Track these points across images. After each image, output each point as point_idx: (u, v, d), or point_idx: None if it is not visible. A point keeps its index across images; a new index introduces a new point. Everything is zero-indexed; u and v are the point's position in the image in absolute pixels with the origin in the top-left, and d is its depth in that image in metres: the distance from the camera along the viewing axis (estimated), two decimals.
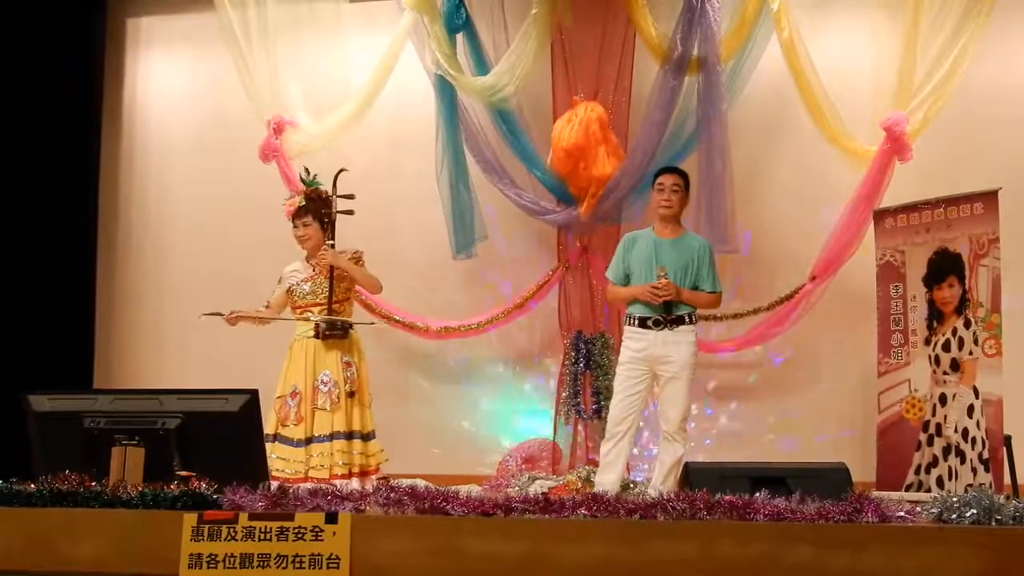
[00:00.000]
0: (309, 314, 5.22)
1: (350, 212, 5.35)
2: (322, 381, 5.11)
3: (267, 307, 5.36)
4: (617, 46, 6.35)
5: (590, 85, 6.36)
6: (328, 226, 5.29)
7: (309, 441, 5.03)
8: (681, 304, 5.07)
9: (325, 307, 5.21)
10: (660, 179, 5.23)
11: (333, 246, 5.24)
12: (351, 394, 5.17)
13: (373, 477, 5.16)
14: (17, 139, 6.80)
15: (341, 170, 5.37)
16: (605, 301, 6.22)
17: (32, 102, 6.86)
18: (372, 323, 5.47)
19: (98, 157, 7.27)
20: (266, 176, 6.54)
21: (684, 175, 5.29)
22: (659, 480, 5.00)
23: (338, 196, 5.32)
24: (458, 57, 6.39)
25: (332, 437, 5.05)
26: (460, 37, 6.43)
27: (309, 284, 5.27)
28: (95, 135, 7.25)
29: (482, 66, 6.41)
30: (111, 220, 7.33)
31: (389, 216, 6.79)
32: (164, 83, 7.45)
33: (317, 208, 5.32)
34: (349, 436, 5.12)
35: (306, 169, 5.54)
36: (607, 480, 5.03)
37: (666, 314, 5.05)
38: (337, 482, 4.88)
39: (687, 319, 5.08)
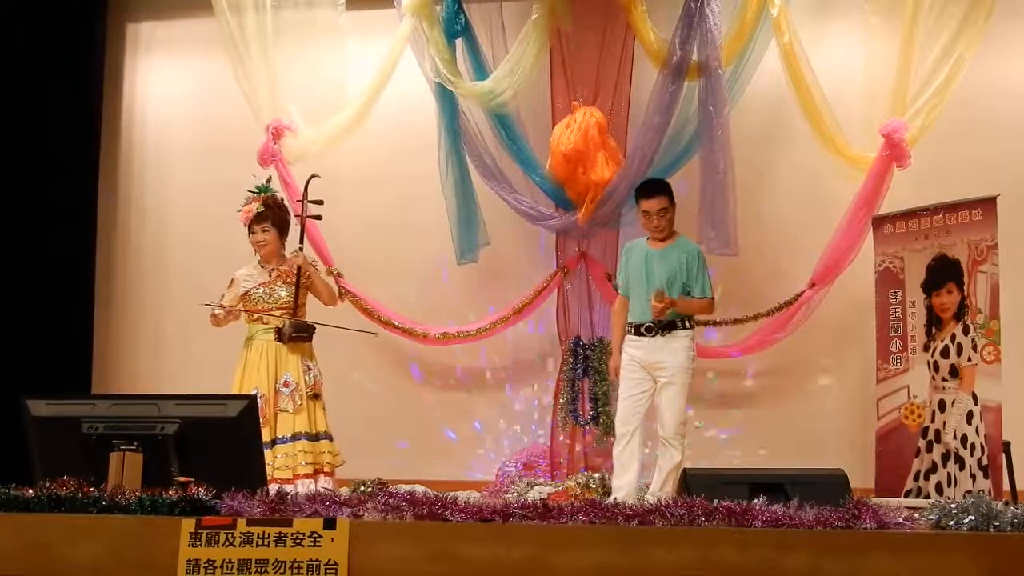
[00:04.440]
0: (269, 317, 5.25)
1: (318, 217, 5.52)
2: (284, 383, 5.16)
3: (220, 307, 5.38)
4: (616, 51, 6.35)
5: (589, 90, 6.36)
6: (299, 231, 5.39)
7: (273, 443, 5.05)
8: (673, 310, 5.07)
9: (284, 311, 5.25)
10: (644, 205, 5.19)
11: (302, 250, 5.35)
12: (316, 396, 5.22)
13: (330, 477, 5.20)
14: (17, 141, 6.80)
15: (312, 176, 5.48)
16: (604, 307, 6.23)
17: (32, 105, 6.87)
18: (374, 333, 5.50)
19: (97, 160, 7.26)
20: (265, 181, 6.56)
21: (666, 190, 5.24)
22: (657, 486, 5.00)
23: (309, 201, 5.40)
24: (457, 63, 6.39)
25: (295, 438, 5.10)
26: (459, 43, 6.43)
27: (265, 289, 5.32)
28: (94, 138, 7.24)
29: (481, 71, 6.41)
30: (110, 223, 7.32)
31: (387, 222, 6.80)
32: (163, 88, 7.45)
33: (275, 214, 5.42)
34: (316, 438, 5.16)
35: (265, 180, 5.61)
36: (624, 483, 5.03)
37: (658, 320, 5.05)
38: (299, 482, 4.92)
39: (680, 324, 5.09)
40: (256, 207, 5.37)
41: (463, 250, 6.39)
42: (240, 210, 5.44)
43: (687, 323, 5.13)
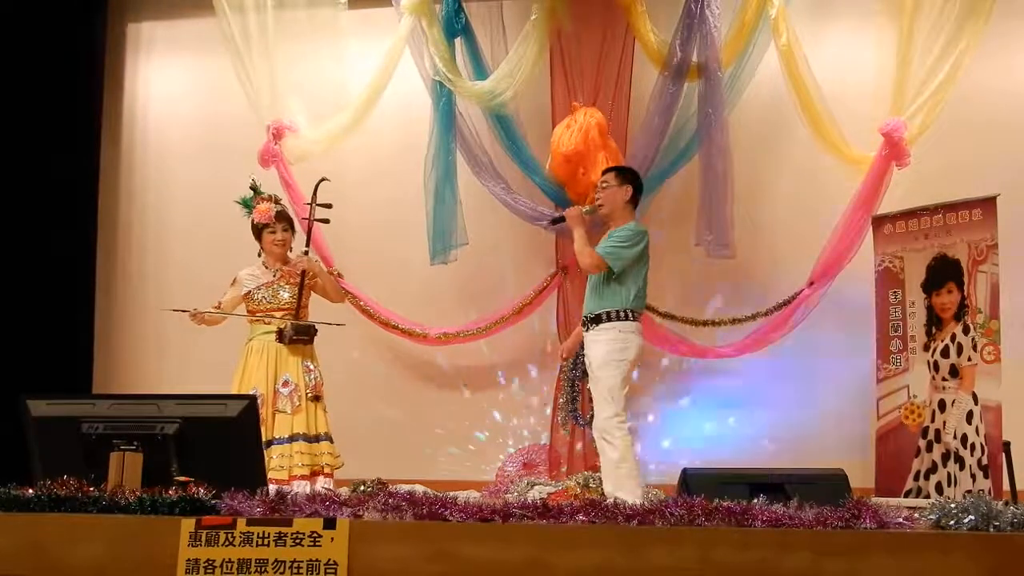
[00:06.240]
0: (270, 318, 5.24)
1: (326, 221, 5.45)
2: (283, 384, 5.14)
3: (218, 307, 5.35)
4: (616, 52, 6.36)
5: (589, 91, 6.36)
6: (306, 234, 5.38)
7: (269, 444, 5.02)
8: (602, 301, 4.96)
9: (286, 312, 5.24)
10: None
11: (307, 253, 5.33)
12: (316, 398, 5.20)
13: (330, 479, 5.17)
14: (17, 141, 6.80)
15: (322, 179, 5.42)
16: None
17: (32, 105, 6.86)
18: (342, 324, 5.45)
19: (98, 160, 7.26)
20: (265, 181, 6.53)
21: (617, 170, 5.20)
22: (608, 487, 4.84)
23: (317, 204, 5.36)
24: (457, 62, 6.39)
25: (292, 439, 5.07)
26: (459, 42, 6.44)
27: (270, 290, 5.30)
28: (95, 139, 7.24)
29: (481, 71, 6.41)
30: (111, 223, 7.33)
31: (388, 222, 6.79)
32: (164, 88, 7.45)
33: (289, 214, 5.45)
34: (315, 439, 5.14)
35: (253, 179, 5.57)
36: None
37: (588, 312, 5.01)
38: (295, 483, 4.90)
39: (605, 317, 4.94)
40: (274, 206, 5.35)
41: (434, 251, 6.30)
42: (251, 210, 5.38)
43: (613, 315, 4.93)
